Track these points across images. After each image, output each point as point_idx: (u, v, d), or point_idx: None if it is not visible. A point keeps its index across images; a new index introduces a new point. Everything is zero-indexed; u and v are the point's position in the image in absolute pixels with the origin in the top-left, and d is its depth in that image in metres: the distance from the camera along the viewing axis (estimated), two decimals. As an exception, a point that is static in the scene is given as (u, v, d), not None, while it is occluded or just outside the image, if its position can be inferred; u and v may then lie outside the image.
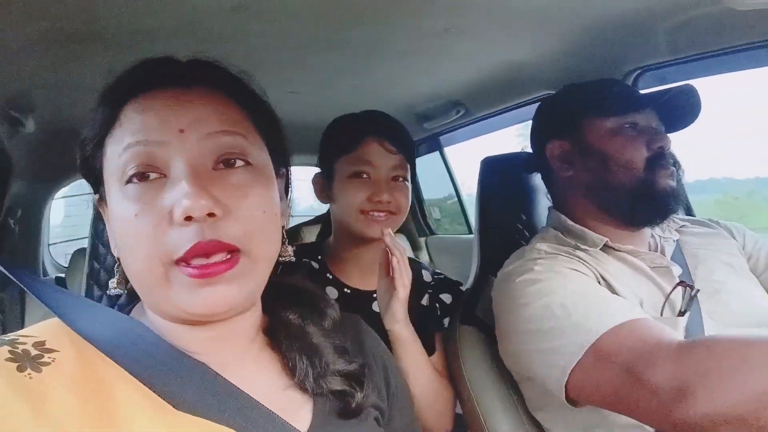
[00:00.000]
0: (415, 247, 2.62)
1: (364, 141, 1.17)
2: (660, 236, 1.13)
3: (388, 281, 1.07)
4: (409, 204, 1.22)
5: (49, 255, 2.69)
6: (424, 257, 2.59)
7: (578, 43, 1.28)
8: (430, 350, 1.19)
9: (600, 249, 1.06)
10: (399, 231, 2.63)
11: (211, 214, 0.52)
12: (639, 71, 1.37)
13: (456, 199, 2.63)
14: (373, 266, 1.16)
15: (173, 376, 0.54)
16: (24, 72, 1.26)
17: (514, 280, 1.00)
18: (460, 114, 1.92)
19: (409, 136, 1.25)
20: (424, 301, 1.27)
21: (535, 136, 1.21)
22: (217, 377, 0.56)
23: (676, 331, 0.93)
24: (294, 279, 0.68)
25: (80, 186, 2.60)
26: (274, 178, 0.62)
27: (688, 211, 1.48)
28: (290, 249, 0.67)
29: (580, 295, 0.91)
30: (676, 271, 1.04)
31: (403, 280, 1.05)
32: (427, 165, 2.70)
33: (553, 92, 1.56)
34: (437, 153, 2.53)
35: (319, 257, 1.28)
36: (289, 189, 0.70)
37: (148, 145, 0.54)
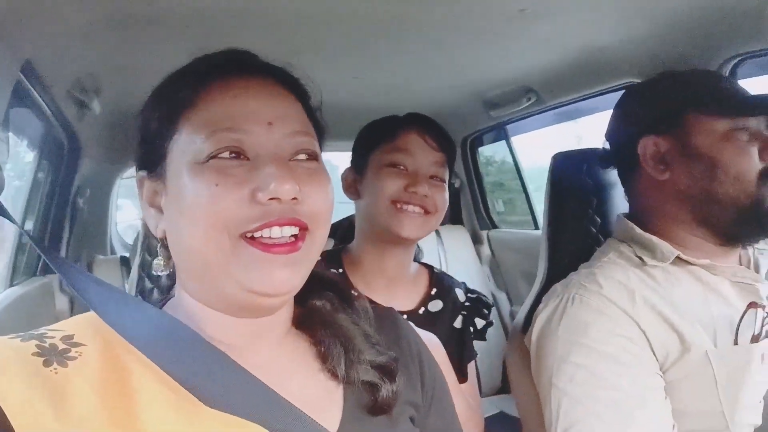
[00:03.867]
0: (476, 241, 2.51)
1: (405, 131, 1.10)
2: (756, 248, 1.00)
3: None
4: (446, 207, 1.13)
5: (117, 233, 2.81)
6: (485, 251, 2.49)
7: (671, 26, 1.16)
8: (461, 378, 1.11)
9: (671, 263, 0.95)
10: (458, 222, 2.58)
11: (294, 199, 0.56)
12: (739, 59, 1.22)
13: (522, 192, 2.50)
14: (402, 277, 1.08)
15: (204, 371, 0.54)
16: (89, 55, 1.28)
17: (556, 332, 0.94)
18: (531, 102, 1.82)
19: (451, 139, 1.17)
20: (458, 323, 1.16)
21: (622, 128, 1.06)
22: (248, 374, 0.56)
23: (753, 361, 0.87)
24: (321, 270, 0.68)
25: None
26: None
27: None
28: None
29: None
30: (764, 289, 0.93)
31: None
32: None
33: (638, 80, 1.44)
34: (503, 142, 2.42)
35: (340, 270, 1.16)
36: None
37: (237, 132, 0.57)
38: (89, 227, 2.23)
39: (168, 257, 0.63)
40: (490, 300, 1.25)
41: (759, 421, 0.86)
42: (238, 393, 0.54)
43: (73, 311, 1.88)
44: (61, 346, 0.52)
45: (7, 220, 0.63)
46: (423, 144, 1.09)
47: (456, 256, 2.34)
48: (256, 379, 0.56)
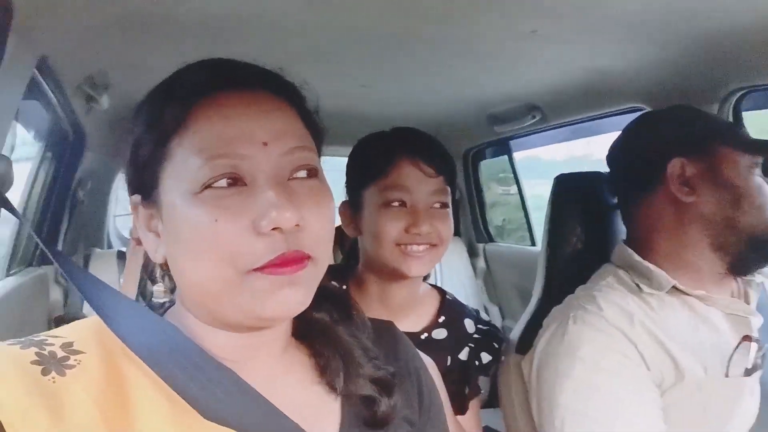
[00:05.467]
0: (472, 254, 2.53)
1: (396, 163, 1.02)
2: (744, 279, 1.02)
3: None
4: (452, 231, 1.07)
5: (114, 227, 2.80)
6: (480, 264, 2.51)
7: (680, 56, 1.18)
8: (460, 411, 1.06)
9: (666, 292, 0.96)
10: (456, 233, 2.60)
11: (296, 225, 0.53)
12: (744, 92, 1.24)
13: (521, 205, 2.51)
14: (405, 308, 1.05)
15: (204, 382, 0.53)
16: (103, 52, 1.28)
17: (557, 351, 0.95)
18: (535, 119, 1.84)
19: (448, 154, 1.09)
20: (463, 355, 1.09)
21: (645, 149, 1.06)
22: (248, 387, 0.55)
23: (743, 394, 0.88)
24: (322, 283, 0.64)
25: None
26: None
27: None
28: None
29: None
30: (756, 322, 0.94)
31: None
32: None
33: (642, 105, 1.46)
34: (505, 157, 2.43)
35: (344, 287, 1.11)
36: None
37: (232, 158, 0.54)
38: (88, 220, 2.23)
39: (170, 283, 0.62)
40: (502, 334, 1.18)
41: None
42: (236, 406, 0.53)
43: (66, 303, 1.88)
44: (60, 353, 0.51)
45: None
46: (418, 174, 1.02)
47: (451, 267, 2.36)
48: (255, 392, 0.55)
